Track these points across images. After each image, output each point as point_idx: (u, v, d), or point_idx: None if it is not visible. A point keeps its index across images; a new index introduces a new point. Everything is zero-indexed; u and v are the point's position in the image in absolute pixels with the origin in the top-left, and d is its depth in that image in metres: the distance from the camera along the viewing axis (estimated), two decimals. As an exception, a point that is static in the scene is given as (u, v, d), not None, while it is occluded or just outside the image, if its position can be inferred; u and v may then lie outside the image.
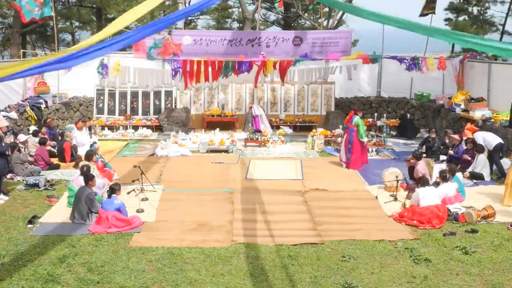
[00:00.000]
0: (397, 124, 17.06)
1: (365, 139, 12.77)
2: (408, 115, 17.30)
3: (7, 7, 26.43)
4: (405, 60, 15.86)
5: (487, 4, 28.39)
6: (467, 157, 12.29)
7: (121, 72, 16.19)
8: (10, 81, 14.49)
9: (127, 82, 17.03)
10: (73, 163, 12.37)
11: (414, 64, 15.71)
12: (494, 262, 7.64)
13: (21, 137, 12.80)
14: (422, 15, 17.73)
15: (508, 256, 7.84)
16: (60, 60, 6.81)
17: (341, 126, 16.04)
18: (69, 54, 7.00)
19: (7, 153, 10.68)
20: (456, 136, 13.18)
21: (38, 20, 16.23)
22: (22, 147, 12.30)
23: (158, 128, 17.47)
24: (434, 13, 17.63)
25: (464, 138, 13.22)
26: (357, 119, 12.68)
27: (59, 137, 14.30)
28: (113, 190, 9.10)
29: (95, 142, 13.69)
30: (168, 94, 17.92)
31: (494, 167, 11.90)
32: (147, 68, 16.77)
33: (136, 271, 7.28)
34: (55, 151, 13.35)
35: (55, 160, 13.04)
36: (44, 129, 14.08)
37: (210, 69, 15.04)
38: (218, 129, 16.36)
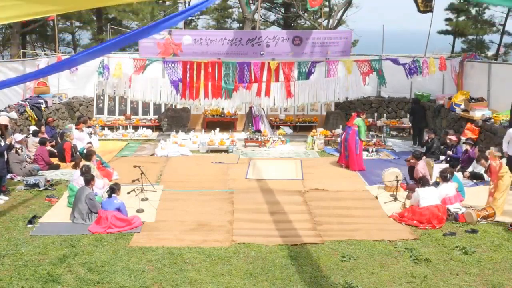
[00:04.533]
0: (409, 110, 17.14)
1: (364, 138, 12.82)
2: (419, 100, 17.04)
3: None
4: (406, 65, 15.73)
5: (485, 5, 28.39)
6: (467, 147, 12.39)
7: (121, 77, 15.56)
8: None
9: (125, 94, 16.40)
10: (73, 163, 12.39)
11: (415, 67, 15.61)
12: (494, 262, 7.64)
13: (17, 137, 12.78)
14: (420, 11, 17.55)
15: (508, 256, 7.84)
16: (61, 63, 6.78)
17: (341, 127, 16.03)
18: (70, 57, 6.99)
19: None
20: (454, 137, 13.17)
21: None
22: (19, 147, 12.27)
23: (158, 128, 17.48)
24: (431, 11, 17.50)
25: (464, 138, 13.24)
26: (358, 120, 12.76)
27: (59, 137, 14.34)
28: (113, 190, 9.11)
29: (89, 143, 13.72)
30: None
31: None
32: (146, 79, 15.53)
33: (136, 271, 7.28)
34: (55, 151, 13.37)
35: (55, 160, 13.06)
36: (43, 128, 14.11)
37: (210, 85, 14.98)
38: (218, 129, 16.36)
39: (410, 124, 16.64)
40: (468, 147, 12.37)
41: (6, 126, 12.46)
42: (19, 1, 5.05)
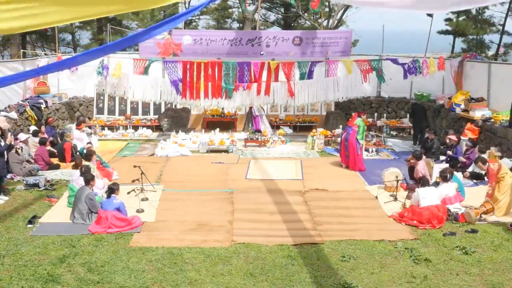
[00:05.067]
0: (408, 112, 17.15)
1: (361, 141, 12.78)
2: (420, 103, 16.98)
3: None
4: (406, 65, 15.70)
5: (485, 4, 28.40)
6: (462, 159, 12.37)
7: (121, 78, 15.49)
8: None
9: (125, 95, 16.24)
10: (73, 163, 12.39)
11: (415, 67, 15.59)
12: (494, 262, 7.64)
13: (21, 136, 12.80)
14: (428, 14, 17.62)
15: (508, 256, 7.84)
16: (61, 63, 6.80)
17: (341, 126, 16.01)
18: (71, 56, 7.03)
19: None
20: (454, 137, 13.17)
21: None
22: (20, 147, 12.26)
23: (158, 128, 17.47)
24: (431, 16, 17.62)
25: (464, 138, 13.23)
26: (359, 120, 12.76)
27: (59, 137, 14.33)
28: (112, 190, 9.11)
29: (89, 143, 13.74)
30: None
31: None
32: (146, 81, 15.51)
33: (136, 271, 7.28)
34: (55, 151, 13.37)
35: (55, 160, 13.06)
36: (43, 128, 14.11)
37: (210, 85, 14.98)
38: (218, 129, 16.35)
39: (411, 124, 16.63)
40: (464, 159, 12.39)
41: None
42: (60, 7, 5.16)
